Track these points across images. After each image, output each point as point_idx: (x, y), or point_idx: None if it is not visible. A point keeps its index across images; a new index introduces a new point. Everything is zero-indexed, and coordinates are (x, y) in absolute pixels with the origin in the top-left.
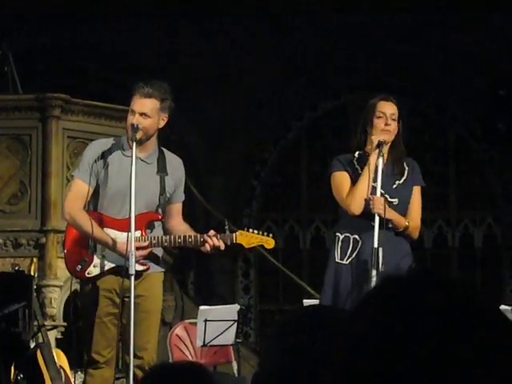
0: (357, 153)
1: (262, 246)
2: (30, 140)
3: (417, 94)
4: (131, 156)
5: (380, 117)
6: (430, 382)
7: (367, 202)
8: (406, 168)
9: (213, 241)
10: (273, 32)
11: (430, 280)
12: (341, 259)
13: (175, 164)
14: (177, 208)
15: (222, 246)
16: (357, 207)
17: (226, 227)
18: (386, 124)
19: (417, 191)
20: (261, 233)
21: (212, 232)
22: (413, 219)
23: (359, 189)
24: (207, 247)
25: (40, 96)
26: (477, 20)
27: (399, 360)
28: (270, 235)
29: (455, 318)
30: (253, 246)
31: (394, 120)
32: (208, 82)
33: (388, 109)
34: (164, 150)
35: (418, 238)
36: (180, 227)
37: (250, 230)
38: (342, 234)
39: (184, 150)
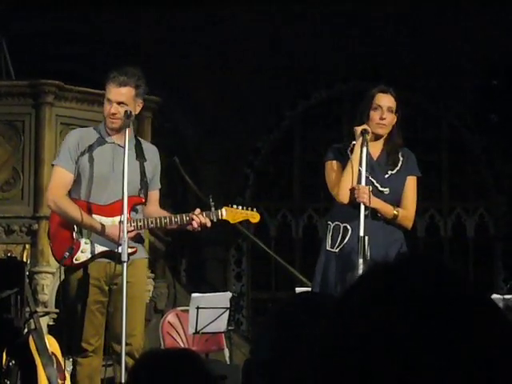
0: (352, 142)
1: (252, 223)
2: (23, 126)
3: (409, 84)
4: (114, 142)
5: (376, 109)
6: (416, 372)
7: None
8: (401, 158)
9: (199, 218)
10: (266, 20)
11: (417, 267)
12: (331, 247)
13: (152, 151)
14: (154, 195)
15: (209, 223)
16: (343, 196)
17: (212, 204)
18: (382, 118)
19: (411, 181)
20: (245, 208)
21: (198, 210)
22: (406, 208)
23: (344, 178)
24: (194, 225)
25: (33, 82)
26: (471, 10)
27: (385, 350)
28: (255, 209)
29: (442, 306)
30: (238, 221)
31: (390, 112)
32: (202, 71)
33: (385, 101)
34: (139, 138)
35: (411, 227)
36: (159, 213)
37: (235, 206)
38: (333, 223)
39: (177, 138)
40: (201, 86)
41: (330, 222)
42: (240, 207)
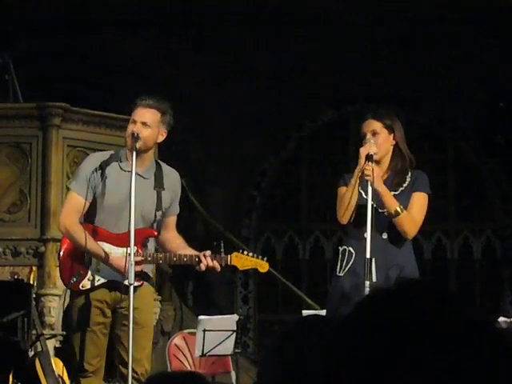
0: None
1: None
2: (30, 148)
3: (416, 105)
4: (130, 169)
5: (363, 138)
6: None
7: (357, 213)
8: (408, 180)
9: (207, 261)
10: (273, 41)
11: (415, 293)
12: (339, 272)
13: (172, 178)
14: (172, 221)
15: (218, 268)
16: (342, 217)
17: (222, 249)
18: (364, 143)
19: (416, 196)
20: (256, 256)
21: (208, 252)
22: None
23: (343, 198)
24: (202, 267)
25: (40, 105)
26: (477, 31)
27: (384, 374)
28: (265, 259)
29: (436, 330)
30: (247, 268)
31: (376, 134)
32: (208, 93)
33: (366, 128)
34: (161, 163)
35: (413, 235)
36: (174, 240)
37: (245, 253)
38: (341, 247)
39: (184, 160)
40: (208, 107)
41: (339, 247)
42: (250, 254)
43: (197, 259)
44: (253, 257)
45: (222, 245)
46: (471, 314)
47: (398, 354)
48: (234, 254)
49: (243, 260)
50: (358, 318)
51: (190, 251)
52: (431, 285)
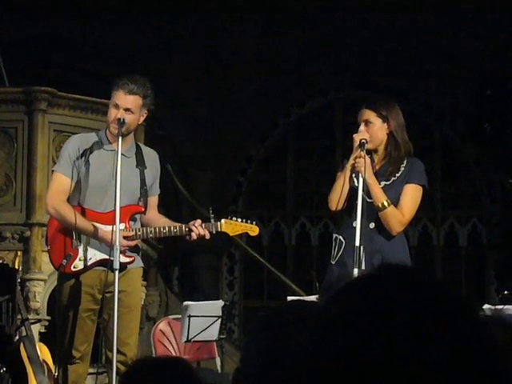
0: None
1: (247, 234)
2: (16, 133)
3: (403, 93)
4: (115, 150)
5: (358, 127)
6: (390, 381)
7: (349, 201)
8: (402, 169)
9: (198, 230)
10: (260, 28)
11: (393, 278)
12: (332, 260)
13: (152, 157)
14: (153, 201)
15: (207, 235)
16: (331, 203)
17: (212, 216)
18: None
19: (408, 188)
20: (244, 221)
21: (198, 221)
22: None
23: (335, 185)
24: (193, 236)
25: (26, 89)
26: (465, 19)
27: (358, 359)
28: (254, 223)
29: (415, 317)
30: (237, 233)
31: (368, 124)
32: (195, 79)
33: (361, 117)
34: (140, 144)
35: (398, 231)
36: (158, 219)
37: (234, 219)
38: (334, 235)
39: (170, 146)
40: (194, 93)
41: (333, 235)
42: (239, 219)
43: (187, 229)
44: (242, 222)
45: (211, 212)
46: (448, 300)
47: (371, 341)
48: (223, 220)
49: (233, 225)
50: (335, 303)
51: (180, 224)
52: (409, 270)
